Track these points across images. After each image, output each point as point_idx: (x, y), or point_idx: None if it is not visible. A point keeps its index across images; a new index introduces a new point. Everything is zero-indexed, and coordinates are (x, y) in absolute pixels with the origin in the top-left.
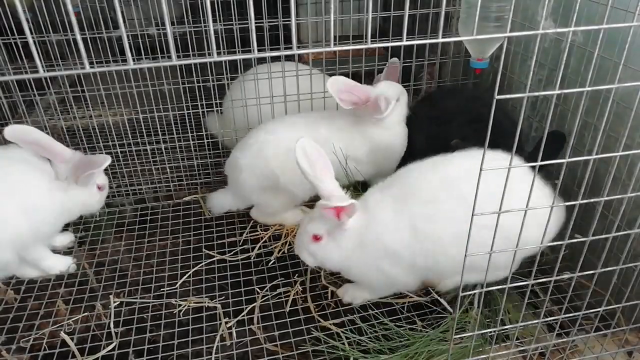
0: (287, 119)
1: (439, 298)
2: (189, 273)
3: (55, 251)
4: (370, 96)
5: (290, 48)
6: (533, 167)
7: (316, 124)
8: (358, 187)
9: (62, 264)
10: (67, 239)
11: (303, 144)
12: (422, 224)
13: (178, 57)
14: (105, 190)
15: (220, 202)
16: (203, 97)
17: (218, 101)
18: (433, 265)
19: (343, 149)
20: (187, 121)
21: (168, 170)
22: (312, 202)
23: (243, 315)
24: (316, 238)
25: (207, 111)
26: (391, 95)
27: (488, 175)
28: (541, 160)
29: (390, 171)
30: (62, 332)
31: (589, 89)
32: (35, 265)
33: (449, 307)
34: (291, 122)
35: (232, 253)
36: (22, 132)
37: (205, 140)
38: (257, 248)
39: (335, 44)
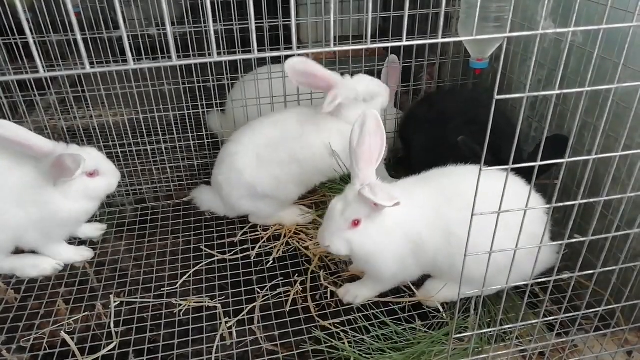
0: (253, 124)
1: (438, 305)
2: (189, 273)
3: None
4: (333, 86)
5: (291, 48)
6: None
7: (285, 121)
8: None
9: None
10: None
11: (368, 114)
12: (457, 229)
13: (178, 57)
14: (102, 174)
15: (208, 199)
16: (203, 97)
17: (218, 101)
18: (450, 267)
19: (321, 144)
20: (187, 121)
21: (168, 170)
22: (304, 198)
23: (243, 315)
24: (355, 223)
25: (207, 111)
26: (351, 92)
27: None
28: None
29: None
30: (62, 331)
31: (589, 89)
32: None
33: (441, 309)
34: (258, 126)
35: (232, 253)
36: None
37: (206, 140)
38: (257, 248)
39: (335, 44)
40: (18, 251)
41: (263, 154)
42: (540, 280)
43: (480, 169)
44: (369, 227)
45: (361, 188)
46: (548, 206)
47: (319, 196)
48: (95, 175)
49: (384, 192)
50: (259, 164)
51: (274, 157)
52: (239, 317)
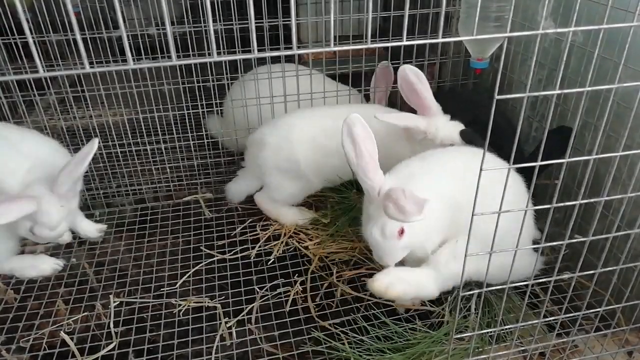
0: (316, 109)
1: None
2: (189, 273)
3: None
4: (428, 114)
5: (290, 48)
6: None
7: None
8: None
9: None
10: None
11: (352, 121)
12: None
13: (178, 57)
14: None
15: (238, 189)
16: (203, 97)
17: (218, 101)
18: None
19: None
20: (187, 121)
21: (168, 170)
22: (307, 200)
23: (243, 315)
24: (401, 232)
25: (207, 111)
26: (436, 133)
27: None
28: (545, 158)
29: None
30: (62, 331)
31: (589, 89)
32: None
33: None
34: (320, 113)
35: (231, 253)
36: None
37: (205, 140)
38: (256, 248)
39: (335, 44)
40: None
41: (318, 138)
42: (540, 280)
43: (481, 169)
44: (413, 225)
45: (386, 207)
46: (548, 206)
47: (319, 197)
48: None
49: (410, 202)
50: (311, 145)
51: (325, 145)
52: (239, 317)
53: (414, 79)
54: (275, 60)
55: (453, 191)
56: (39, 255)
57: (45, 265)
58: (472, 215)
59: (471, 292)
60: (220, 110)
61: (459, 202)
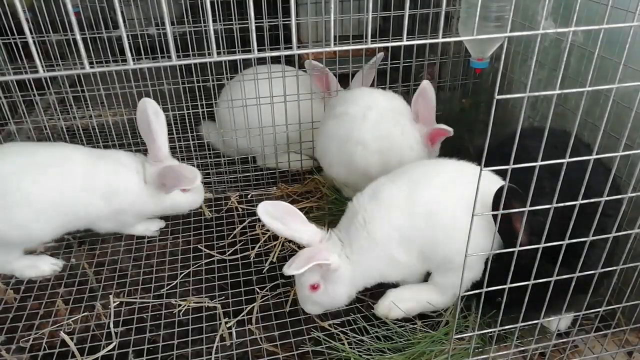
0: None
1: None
2: (188, 272)
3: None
4: None
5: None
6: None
7: (403, 125)
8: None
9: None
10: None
11: (265, 208)
12: (435, 207)
13: (178, 57)
14: (193, 191)
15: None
16: (203, 97)
17: (218, 101)
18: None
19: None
20: (187, 121)
21: None
22: (308, 200)
23: (243, 316)
24: (314, 287)
25: (207, 111)
26: None
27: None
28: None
29: None
30: (61, 332)
31: (589, 89)
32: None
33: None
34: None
35: (231, 253)
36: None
37: (205, 140)
38: (256, 248)
39: (335, 44)
40: None
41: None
42: (540, 280)
43: (481, 169)
44: (329, 286)
45: (286, 266)
46: (549, 206)
47: (312, 185)
48: (187, 191)
49: (318, 254)
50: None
51: (378, 144)
52: (239, 318)
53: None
54: (275, 60)
55: (400, 230)
56: (39, 256)
57: (45, 267)
58: (473, 215)
59: (472, 293)
60: (210, 116)
61: (411, 238)
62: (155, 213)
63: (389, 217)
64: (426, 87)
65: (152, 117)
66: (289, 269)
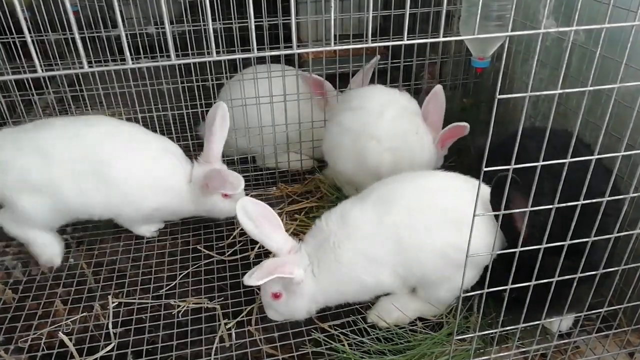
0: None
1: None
2: (187, 272)
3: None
4: None
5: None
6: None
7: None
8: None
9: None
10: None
11: (244, 204)
12: (405, 233)
13: (177, 56)
14: (233, 198)
15: None
16: (202, 96)
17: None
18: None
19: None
20: (186, 121)
21: None
22: (307, 201)
23: (242, 317)
24: (276, 296)
25: (205, 111)
26: None
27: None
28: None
29: None
30: (60, 332)
31: (591, 88)
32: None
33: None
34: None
35: (230, 254)
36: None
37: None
38: (256, 248)
39: (335, 43)
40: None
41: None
42: (542, 282)
43: (482, 169)
44: (291, 297)
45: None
46: (549, 206)
47: (312, 185)
48: (228, 197)
49: (282, 266)
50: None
51: (392, 141)
52: (239, 319)
53: None
54: (275, 59)
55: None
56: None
57: (56, 258)
58: (474, 215)
59: (473, 294)
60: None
61: (380, 261)
62: (192, 214)
63: (355, 241)
64: (438, 92)
65: (219, 120)
66: (250, 279)
